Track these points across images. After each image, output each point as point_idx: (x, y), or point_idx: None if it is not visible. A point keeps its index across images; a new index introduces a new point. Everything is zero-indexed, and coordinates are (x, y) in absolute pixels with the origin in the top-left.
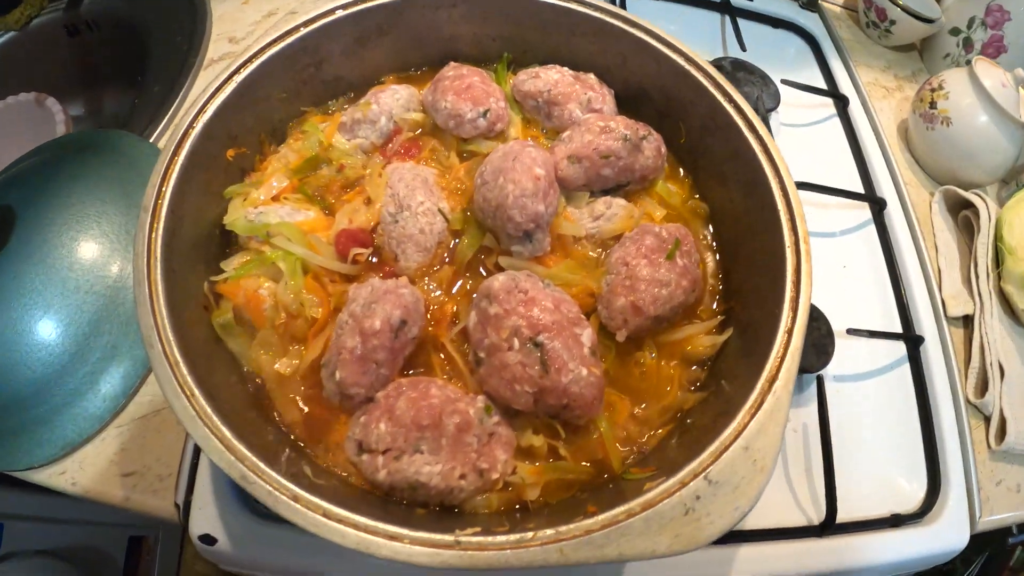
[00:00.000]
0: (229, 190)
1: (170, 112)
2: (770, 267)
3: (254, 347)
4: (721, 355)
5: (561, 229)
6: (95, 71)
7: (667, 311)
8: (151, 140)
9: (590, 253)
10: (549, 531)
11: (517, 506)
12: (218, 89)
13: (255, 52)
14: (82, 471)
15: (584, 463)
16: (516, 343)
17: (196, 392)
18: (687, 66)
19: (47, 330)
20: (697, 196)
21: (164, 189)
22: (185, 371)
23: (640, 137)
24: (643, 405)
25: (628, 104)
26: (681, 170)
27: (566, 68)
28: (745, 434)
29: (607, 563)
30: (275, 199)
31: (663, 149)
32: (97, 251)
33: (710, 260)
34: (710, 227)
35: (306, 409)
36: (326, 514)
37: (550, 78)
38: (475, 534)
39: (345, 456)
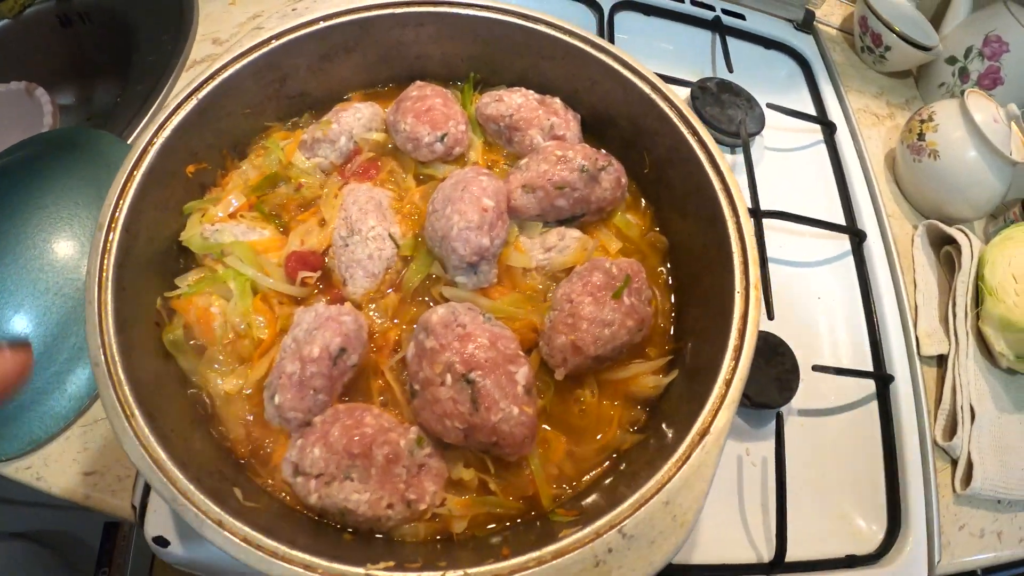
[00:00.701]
0: (188, 206)
1: (150, 112)
2: (720, 309)
3: (202, 364)
4: (666, 396)
5: (510, 260)
6: (86, 63)
7: (609, 351)
8: (130, 140)
9: (539, 286)
10: (458, 572)
11: (441, 537)
12: (179, 106)
13: (218, 68)
14: (47, 467)
15: (514, 499)
16: (449, 379)
17: (136, 412)
18: (653, 95)
19: (16, 330)
20: (658, 229)
21: (120, 206)
22: (127, 391)
23: (599, 168)
24: (580, 444)
25: (595, 130)
26: (644, 201)
27: (532, 92)
28: (668, 487)
29: None
30: (232, 216)
31: (623, 180)
32: (68, 253)
33: (664, 297)
34: (667, 262)
35: (250, 428)
36: (246, 539)
37: (513, 102)
38: (386, 568)
39: (282, 476)
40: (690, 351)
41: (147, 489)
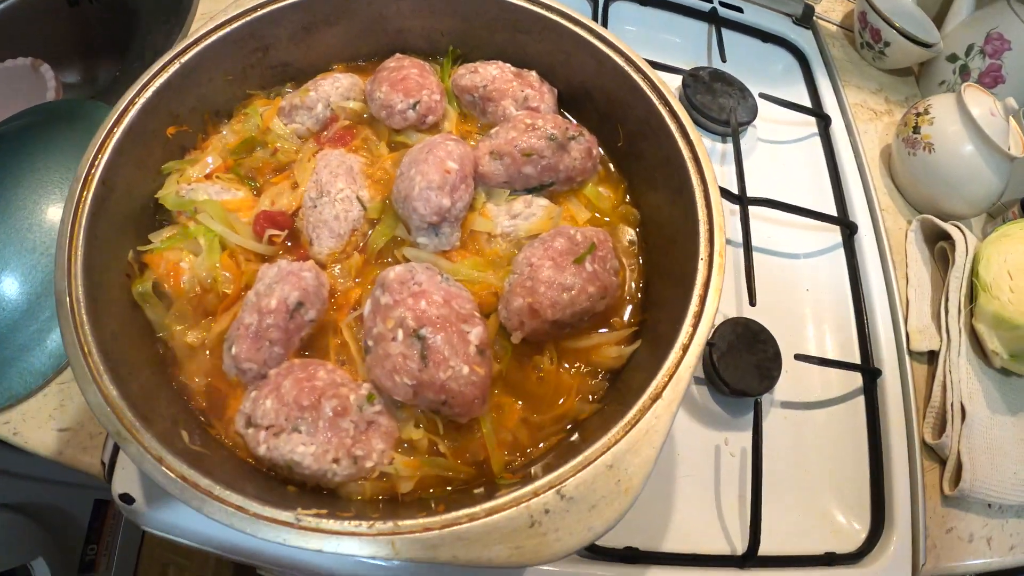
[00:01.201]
0: (166, 166)
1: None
2: (683, 278)
3: (169, 317)
4: (628, 367)
5: (474, 225)
6: (91, 42)
7: (568, 316)
8: None
9: (502, 252)
10: (388, 523)
11: (387, 497)
12: (161, 69)
13: (202, 35)
14: (24, 423)
15: (464, 463)
16: (400, 334)
17: (94, 351)
18: (625, 66)
19: (2, 286)
20: (629, 201)
21: (98, 161)
22: (88, 330)
23: (568, 137)
24: (536, 411)
25: (572, 104)
26: (617, 173)
27: (508, 65)
28: (614, 450)
29: (440, 565)
30: (208, 177)
31: (595, 151)
32: (57, 215)
33: (633, 268)
34: (638, 234)
35: (209, 381)
36: (183, 477)
37: (488, 74)
38: (316, 515)
39: (235, 428)
40: (654, 322)
41: (116, 447)
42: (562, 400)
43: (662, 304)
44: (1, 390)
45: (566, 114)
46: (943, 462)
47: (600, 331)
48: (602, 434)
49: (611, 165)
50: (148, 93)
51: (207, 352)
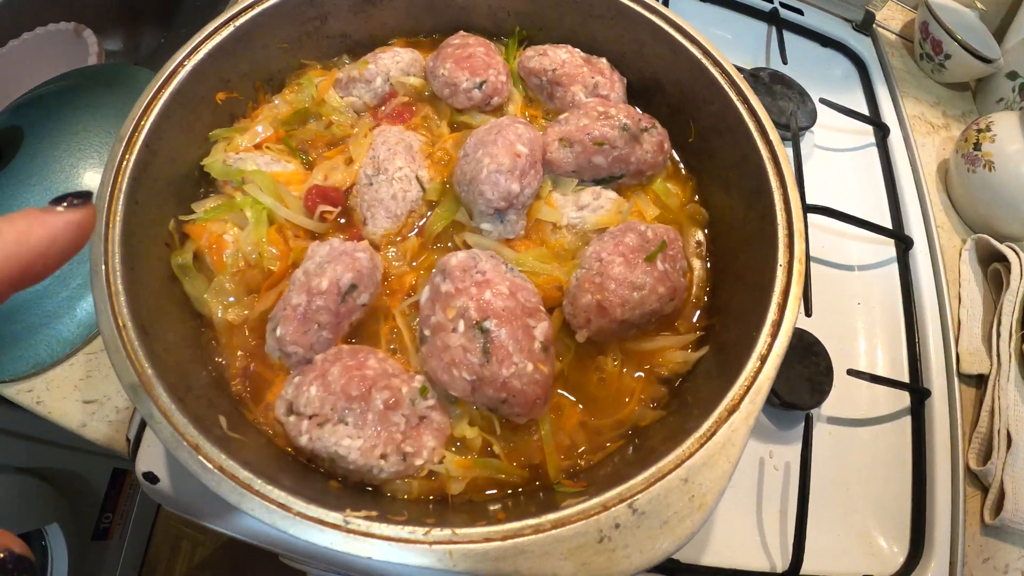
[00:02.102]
0: (214, 133)
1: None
2: (759, 285)
3: (209, 292)
4: (692, 374)
5: (540, 214)
6: (136, 7)
7: (636, 317)
8: None
9: (567, 244)
10: (445, 531)
11: (435, 498)
12: (215, 31)
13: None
14: (48, 392)
15: (519, 465)
16: (461, 325)
17: (128, 324)
18: (704, 60)
19: None
20: (698, 200)
21: (143, 123)
22: (123, 301)
23: (641, 128)
24: (596, 415)
25: (640, 95)
26: (686, 172)
27: (578, 50)
28: (689, 464)
29: None
30: (257, 147)
31: (666, 145)
32: (94, 180)
33: (700, 270)
34: (706, 235)
35: (248, 361)
36: (221, 468)
37: (558, 57)
38: (367, 518)
39: (274, 415)
40: (722, 328)
41: (143, 424)
42: (623, 405)
43: (732, 310)
44: (27, 357)
45: (634, 105)
46: (985, 489)
47: (664, 334)
48: (673, 446)
49: (680, 161)
50: (199, 56)
51: (247, 332)
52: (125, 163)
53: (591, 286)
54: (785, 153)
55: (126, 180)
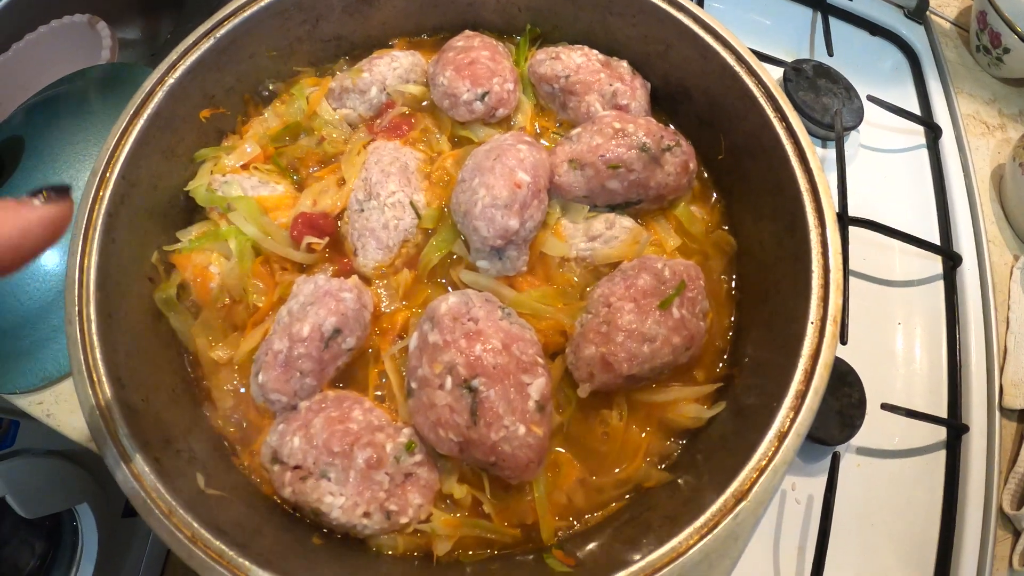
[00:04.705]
0: (200, 153)
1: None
2: (786, 341)
3: (196, 327)
4: (706, 433)
5: (545, 247)
6: None
7: (646, 371)
8: None
9: (576, 279)
10: None
11: (421, 555)
12: (193, 45)
13: (240, 5)
14: (57, 405)
15: (511, 525)
16: (448, 382)
17: (104, 378)
18: (738, 67)
19: (37, 265)
20: (726, 228)
21: (119, 152)
22: (99, 355)
23: (663, 148)
24: (597, 472)
25: (666, 103)
26: (714, 192)
27: (596, 51)
28: (684, 560)
29: None
30: (246, 167)
31: (692, 165)
32: None
33: (723, 311)
34: (734, 270)
35: (237, 402)
36: (193, 538)
37: (572, 62)
38: None
39: (260, 461)
40: (744, 383)
41: None
42: (627, 462)
43: (754, 365)
44: (35, 370)
45: (659, 114)
46: (1018, 533)
47: (677, 384)
48: (672, 530)
49: (707, 178)
50: (178, 73)
51: (235, 370)
52: (100, 198)
53: (596, 337)
54: (827, 185)
55: (101, 216)
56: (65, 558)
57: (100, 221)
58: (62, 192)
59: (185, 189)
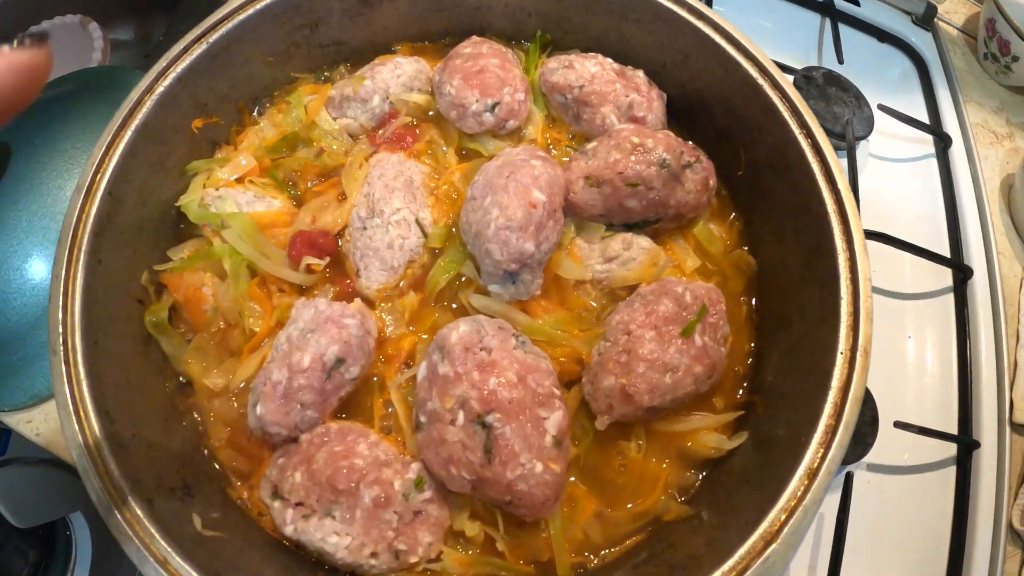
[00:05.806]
0: (191, 166)
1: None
2: (813, 370)
3: (189, 352)
4: (728, 465)
5: (560, 269)
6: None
7: (668, 403)
8: None
9: (592, 303)
10: None
11: None
12: (184, 52)
13: (234, 9)
14: (46, 423)
15: (525, 563)
16: (461, 417)
17: (91, 413)
18: (760, 79)
19: (24, 280)
20: (746, 248)
21: (104, 167)
22: (86, 388)
23: (683, 164)
24: (614, 505)
25: (683, 115)
26: (733, 210)
27: (610, 60)
28: None
29: None
30: (240, 181)
31: (712, 182)
32: None
33: (743, 334)
34: (753, 291)
35: (234, 432)
36: None
37: (586, 71)
38: None
39: (259, 495)
40: (767, 412)
41: None
42: (646, 495)
43: (778, 393)
44: (23, 388)
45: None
46: None
47: (697, 413)
48: (696, 574)
49: (725, 195)
50: (167, 81)
51: (232, 399)
52: (85, 216)
53: (616, 367)
54: (855, 207)
55: (86, 237)
56: (58, 567)
57: (85, 240)
58: (39, 39)
59: (176, 204)
